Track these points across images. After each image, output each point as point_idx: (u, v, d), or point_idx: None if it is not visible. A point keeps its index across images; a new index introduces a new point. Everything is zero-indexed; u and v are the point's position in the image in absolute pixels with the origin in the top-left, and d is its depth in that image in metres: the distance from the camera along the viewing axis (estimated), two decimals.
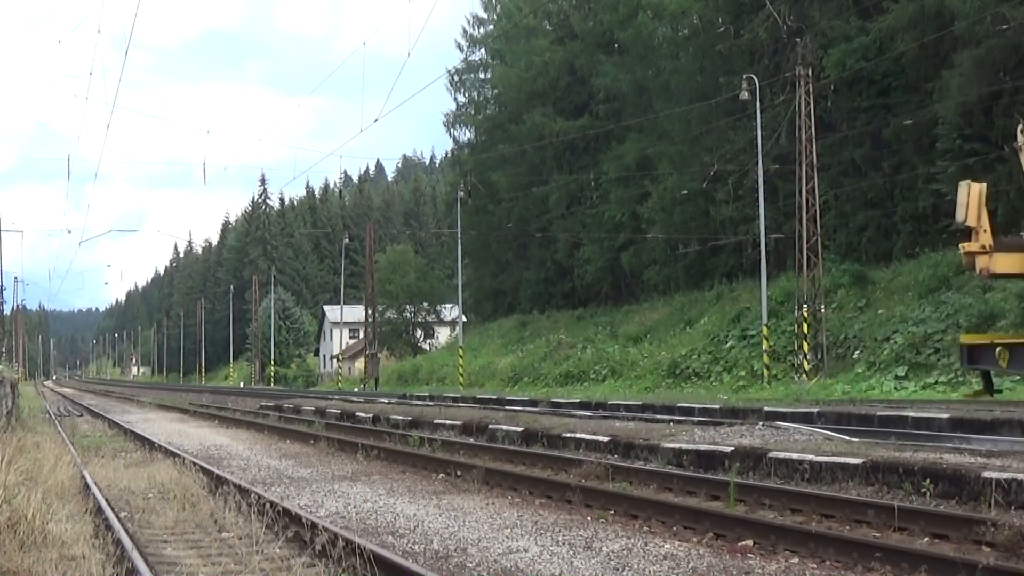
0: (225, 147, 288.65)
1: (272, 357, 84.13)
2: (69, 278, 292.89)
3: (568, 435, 16.21)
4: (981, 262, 17.58)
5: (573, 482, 11.90)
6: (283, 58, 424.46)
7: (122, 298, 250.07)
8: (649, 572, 7.69)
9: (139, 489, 12.71)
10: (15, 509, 8.57)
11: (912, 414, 17.24)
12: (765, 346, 31.74)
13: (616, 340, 44.00)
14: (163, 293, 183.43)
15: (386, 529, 9.93)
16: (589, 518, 10.24)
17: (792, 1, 37.93)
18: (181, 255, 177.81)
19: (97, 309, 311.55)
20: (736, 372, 33.69)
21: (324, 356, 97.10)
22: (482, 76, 65.92)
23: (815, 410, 19.56)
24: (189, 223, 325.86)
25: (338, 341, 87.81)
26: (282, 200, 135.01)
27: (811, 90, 31.36)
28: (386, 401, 33.16)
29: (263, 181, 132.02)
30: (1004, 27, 27.90)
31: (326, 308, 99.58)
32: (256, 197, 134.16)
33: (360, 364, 65.58)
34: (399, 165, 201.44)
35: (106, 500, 10.98)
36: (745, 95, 31.86)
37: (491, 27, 64.62)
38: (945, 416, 16.56)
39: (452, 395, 37.03)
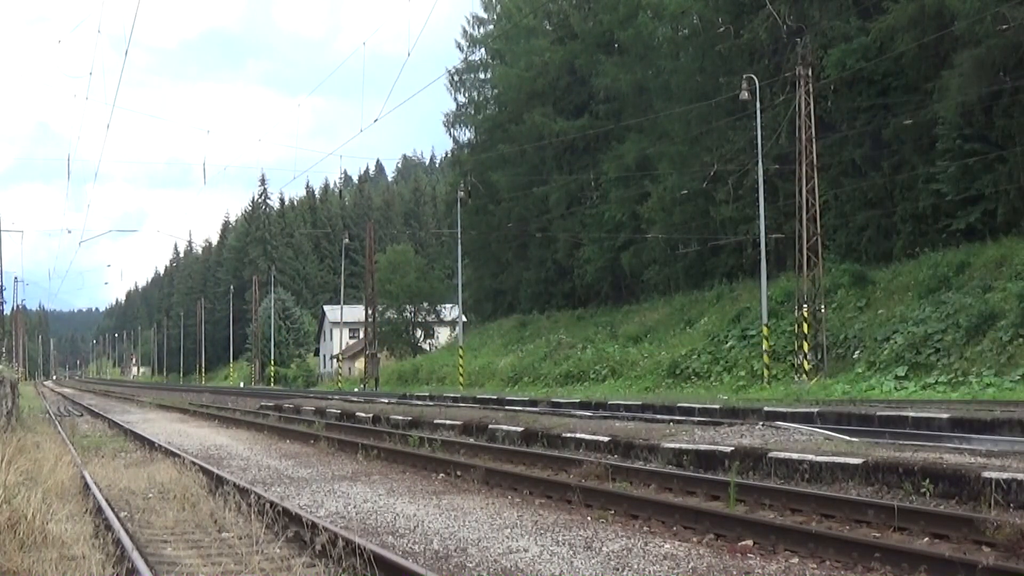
0: (225, 147, 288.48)
1: (272, 357, 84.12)
2: (69, 278, 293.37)
3: (568, 435, 16.22)
4: None
5: (573, 482, 11.90)
6: (283, 58, 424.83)
7: (122, 298, 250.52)
8: (649, 572, 7.69)
9: (139, 489, 12.71)
10: (15, 509, 8.57)
11: (912, 414, 17.25)
12: (765, 346, 31.74)
13: (616, 340, 43.99)
14: (163, 293, 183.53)
15: (386, 529, 9.94)
16: (589, 518, 10.24)
17: (792, 1, 37.90)
18: (181, 255, 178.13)
19: (97, 309, 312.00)
20: (736, 372, 33.68)
21: (324, 356, 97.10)
22: (482, 76, 65.91)
23: (815, 410, 19.58)
24: (189, 223, 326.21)
25: (338, 341, 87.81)
26: (282, 200, 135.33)
27: (811, 90, 31.36)
28: (386, 401, 33.15)
29: (263, 181, 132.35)
30: (1004, 27, 27.89)
31: (326, 308, 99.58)
32: (256, 197, 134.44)
33: (360, 364, 65.59)
34: (399, 165, 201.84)
35: (106, 500, 10.97)
36: (745, 95, 31.86)
37: (491, 27, 64.61)
38: (945, 416, 16.57)
39: (452, 395, 37.05)
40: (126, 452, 19.08)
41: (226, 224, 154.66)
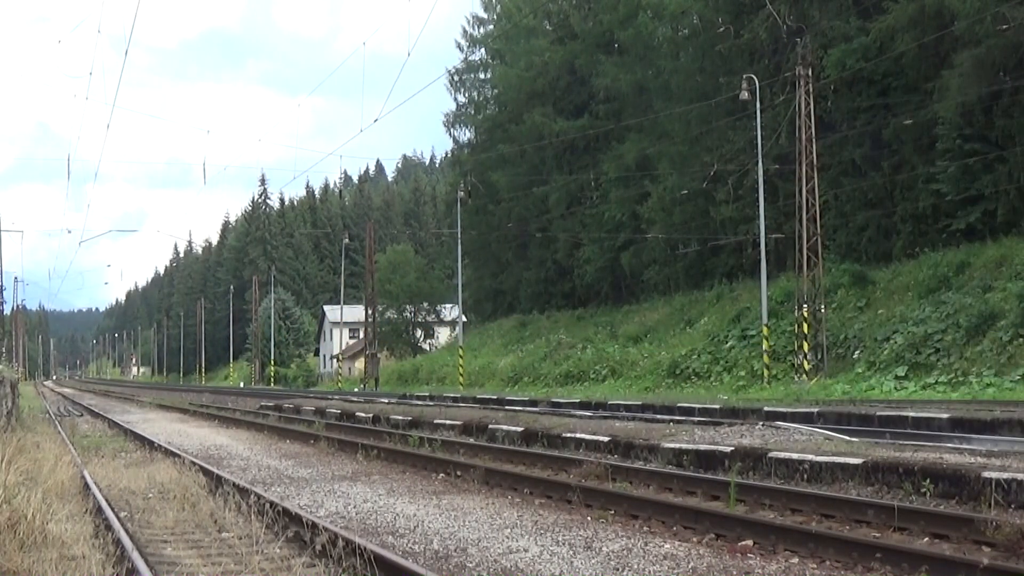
0: (225, 147, 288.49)
1: (272, 357, 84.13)
2: (69, 278, 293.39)
3: (568, 435, 16.21)
4: None
5: (573, 482, 11.89)
6: (283, 58, 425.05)
7: (122, 298, 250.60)
8: (649, 572, 7.69)
9: (139, 489, 12.71)
10: (15, 509, 8.56)
11: (912, 414, 17.25)
12: (765, 346, 31.74)
13: (616, 340, 43.99)
14: (163, 293, 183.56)
15: (386, 529, 9.93)
16: (589, 518, 10.24)
17: (792, 1, 37.90)
18: (181, 255, 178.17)
19: (97, 309, 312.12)
20: (736, 372, 33.68)
21: (324, 356, 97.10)
22: (482, 76, 65.93)
23: (815, 410, 19.58)
24: (189, 223, 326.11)
25: (338, 341, 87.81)
26: (282, 200, 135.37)
27: (811, 90, 31.36)
28: (386, 401, 33.15)
29: (263, 181, 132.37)
30: (1004, 27, 27.89)
31: (326, 308, 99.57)
32: (256, 197, 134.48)
33: (360, 364, 65.59)
34: (399, 165, 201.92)
35: (106, 500, 10.97)
36: (745, 95, 31.86)
37: (491, 27, 64.62)
38: (945, 416, 16.58)
39: (452, 395, 37.05)
40: (126, 452, 19.08)
41: (226, 224, 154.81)
